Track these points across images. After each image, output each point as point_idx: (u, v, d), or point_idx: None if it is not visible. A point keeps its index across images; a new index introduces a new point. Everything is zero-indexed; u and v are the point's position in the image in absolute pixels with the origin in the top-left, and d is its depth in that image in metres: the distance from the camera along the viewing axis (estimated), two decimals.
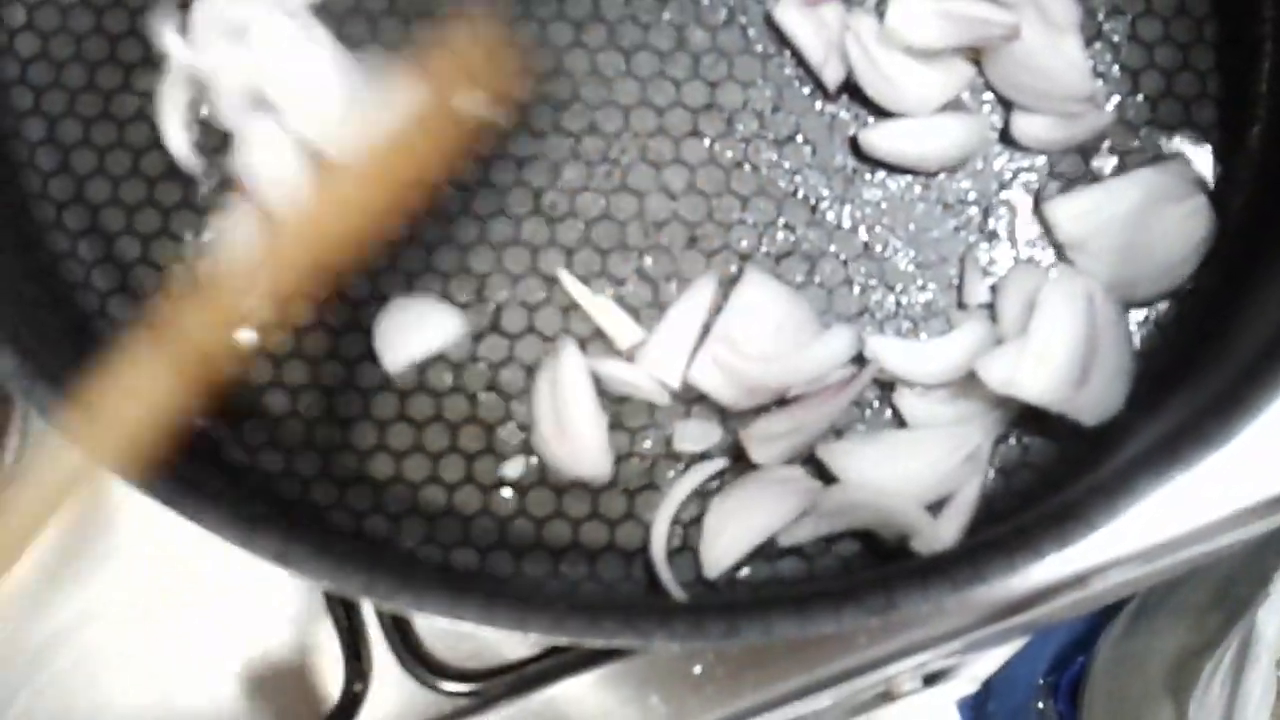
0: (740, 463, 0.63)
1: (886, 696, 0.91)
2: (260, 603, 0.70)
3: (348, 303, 0.65)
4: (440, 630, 0.68)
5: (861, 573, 0.61)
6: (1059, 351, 0.62)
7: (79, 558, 0.70)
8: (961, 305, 0.66)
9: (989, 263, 0.66)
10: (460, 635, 0.70)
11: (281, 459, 0.63)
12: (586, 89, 0.68)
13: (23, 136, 0.66)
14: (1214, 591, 1.20)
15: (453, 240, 0.66)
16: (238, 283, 0.55)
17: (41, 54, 0.67)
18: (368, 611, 0.68)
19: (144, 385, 0.50)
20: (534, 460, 0.63)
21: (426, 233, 0.66)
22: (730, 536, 0.61)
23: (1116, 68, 0.69)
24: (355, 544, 0.61)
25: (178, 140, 0.65)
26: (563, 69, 0.67)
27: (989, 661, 0.99)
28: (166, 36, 0.65)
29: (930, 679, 0.95)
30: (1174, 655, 1.22)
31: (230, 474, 0.62)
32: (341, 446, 0.63)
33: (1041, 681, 1.47)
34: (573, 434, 0.61)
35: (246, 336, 0.56)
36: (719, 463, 0.63)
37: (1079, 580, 0.68)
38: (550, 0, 0.68)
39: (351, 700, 0.66)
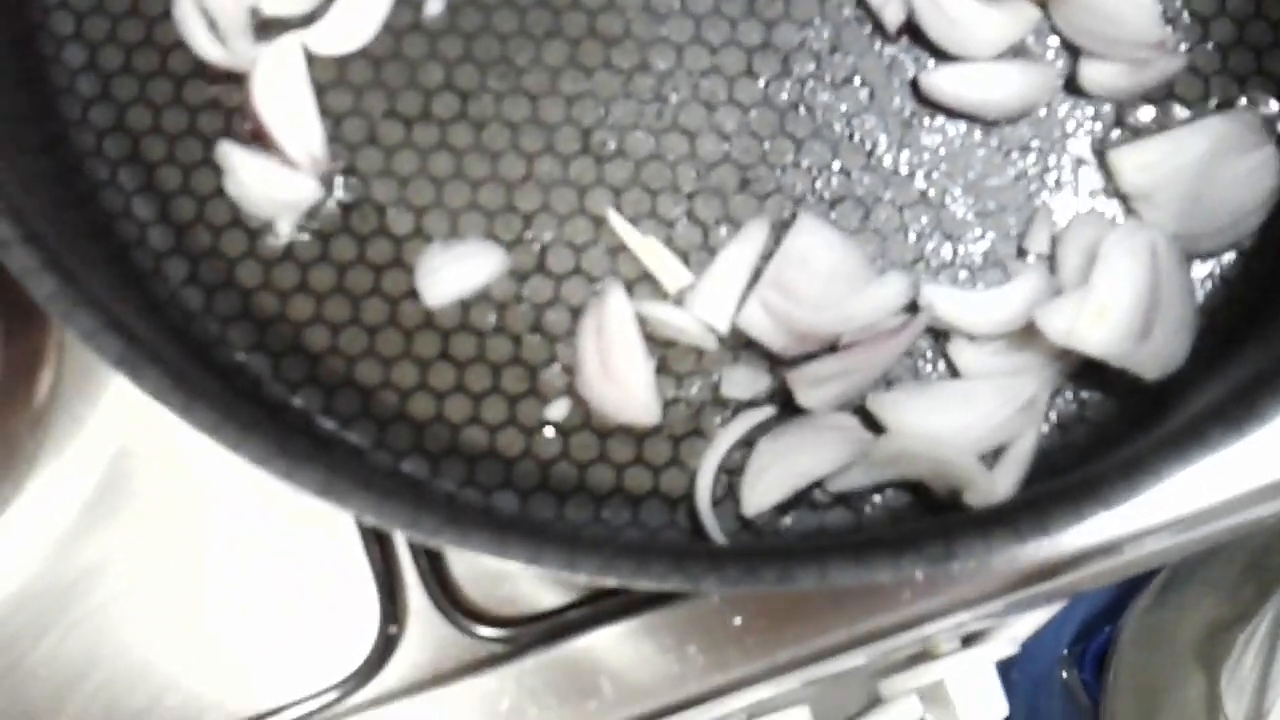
0: (788, 410, 0.62)
1: (925, 655, 0.90)
2: (292, 546, 0.69)
3: (391, 238, 0.63)
4: (476, 575, 0.67)
5: (917, 521, 0.59)
6: (1121, 304, 0.60)
7: (108, 497, 0.69)
8: (1021, 255, 0.64)
9: (1050, 212, 0.64)
10: (495, 581, 0.69)
11: (322, 396, 0.62)
12: (638, 25, 0.66)
13: (63, 62, 0.65)
14: (1247, 564, 1.19)
15: (498, 177, 0.64)
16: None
17: None
18: (403, 555, 0.67)
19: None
20: (578, 403, 0.62)
21: (471, 169, 0.64)
22: (773, 477, 0.60)
23: (1186, 14, 0.66)
24: (396, 480, 0.59)
25: (211, 50, 0.64)
26: (614, 3, 0.66)
27: (1026, 624, 0.97)
28: None
29: (968, 640, 0.93)
30: (1205, 627, 1.21)
31: (270, 410, 0.60)
32: (382, 385, 0.62)
33: (1066, 651, 1.46)
34: (619, 378, 0.60)
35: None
36: (766, 410, 0.62)
37: (1120, 545, 0.67)
38: None
39: (386, 644, 0.65)
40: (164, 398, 0.49)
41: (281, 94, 0.63)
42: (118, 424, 0.68)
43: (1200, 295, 0.64)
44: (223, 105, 0.65)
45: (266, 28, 0.65)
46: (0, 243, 0.50)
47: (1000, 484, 0.59)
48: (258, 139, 0.63)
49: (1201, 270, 0.64)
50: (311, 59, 0.65)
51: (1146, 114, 0.66)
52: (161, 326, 0.60)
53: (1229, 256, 0.64)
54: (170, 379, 0.49)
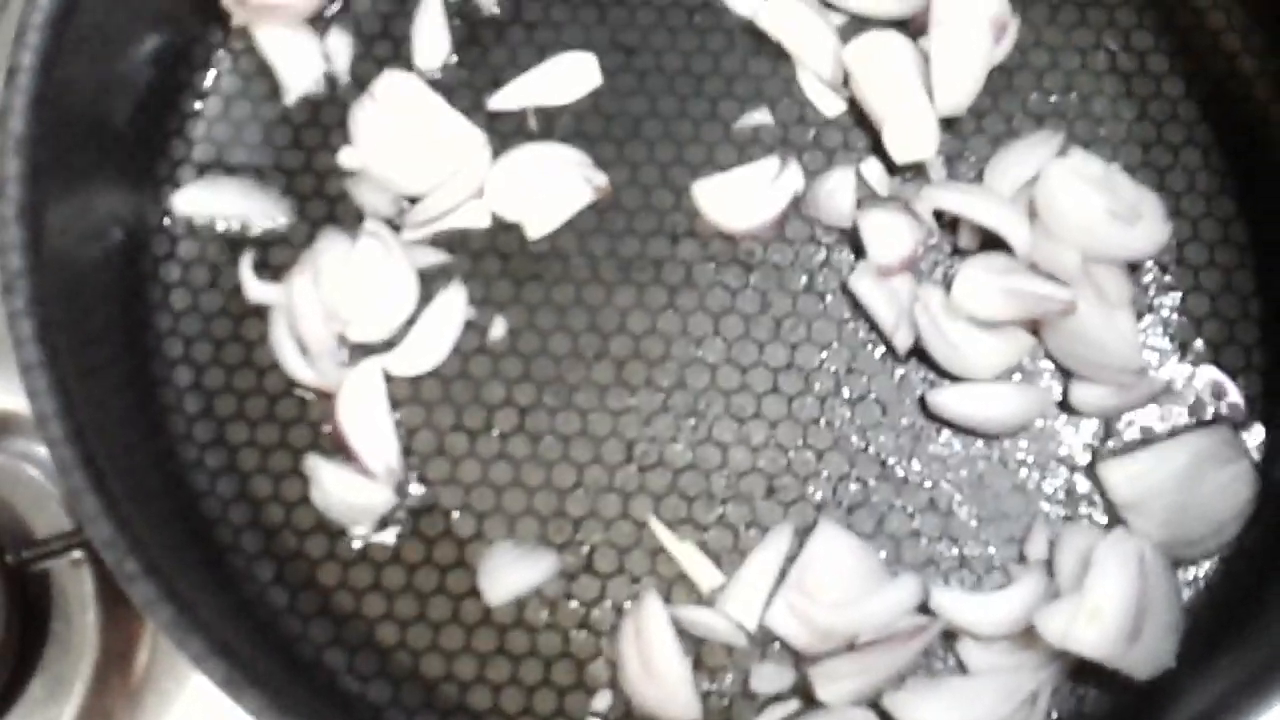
0: (811, 704, 0.68)
1: None
2: None
3: (456, 541, 0.71)
4: None
5: None
6: (1113, 608, 0.67)
7: None
8: (1021, 559, 0.71)
9: (1047, 519, 0.71)
10: None
11: (390, 689, 0.69)
12: (677, 347, 0.74)
13: (172, 383, 0.74)
14: None
15: (552, 485, 0.72)
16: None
17: (193, 307, 0.75)
18: None
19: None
20: (621, 696, 0.68)
21: (528, 477, 0.72)
22: None
23: (1167, 340, 0.74)
24: None
25: (300, 369, 0.73)
26: (656, 329, 0.74)
27: None
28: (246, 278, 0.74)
29: None
30: None
31: (344, 704, 0.67)
32: (445, 678, 0.69)
33: None
34: (659, 679, 0.66)
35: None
36: (792, 704, 0.68)
37: None
38: (648, 267, 0.75)
39: None
40: (263, 717, 0.56)
41: (363, 412, 0.72)
42: (206, 703, 0.74)
43: (1186, 599, 0.70)
44: (310, 420, 0.73)
45: (351, 352, 0.73)
46: (128, 577, 0.58)
47: None
48: (340, 451, 0.72)
49: (1186, 575, 0.71)
50: (389, 378, 0.73)
51: (1133, 430, 0.73)
52: (249, 627, 0.67)
53: (1211, 564, 0.71)
54: (268, 698, 0.56)
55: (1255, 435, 0.73)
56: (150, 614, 0.58)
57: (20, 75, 0.63)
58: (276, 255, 0.75)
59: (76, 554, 0.72)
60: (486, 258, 0.75)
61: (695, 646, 0.70)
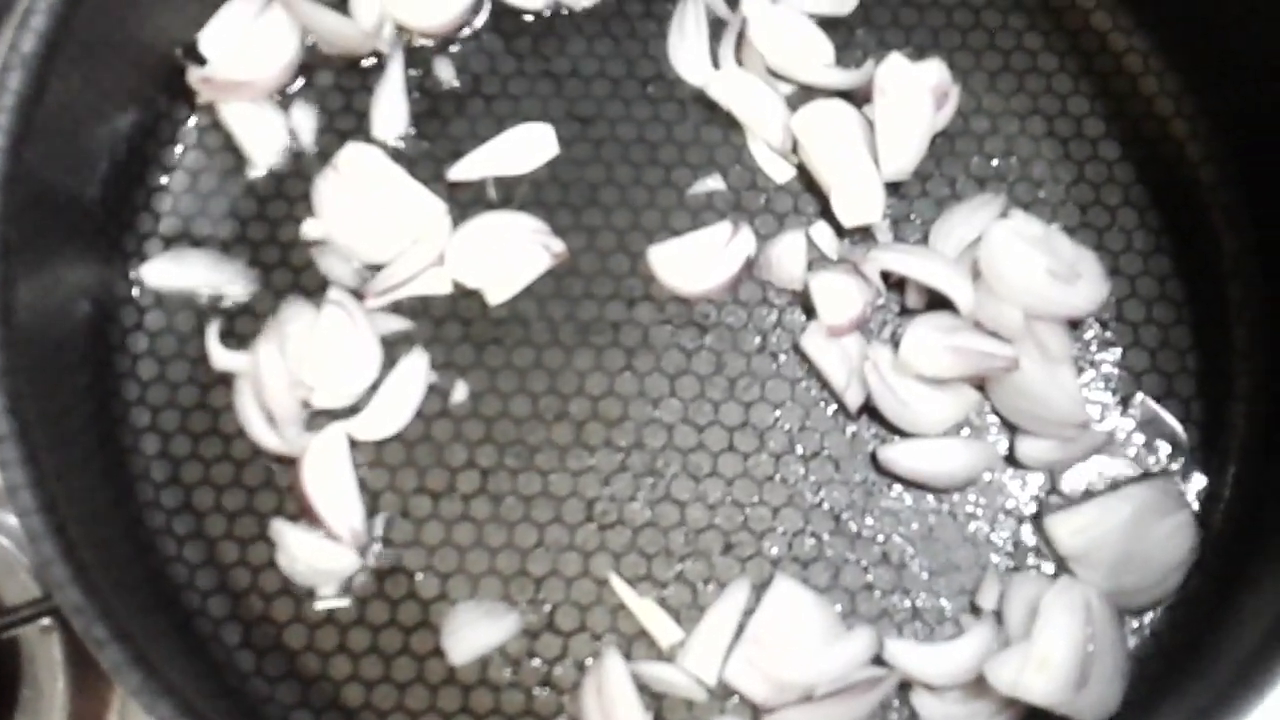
0: None
1: None
2: None
3: (419, 601, 0.72)
4: None
5: None
6: (1061, 656, 0.69)
7: None
8: (973, 610, 0.73)
9: (997, 570, 0.73)
10: None
11: None
12: (635, 408, 0.76)
13: (140, 451, 0.75)
14: None
15: (514, 545, 0.74)
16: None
17: (160, 376, 0.77)
18: None
19: None
20: None
21: (490, 537, 0.74)
22: None
23: (1109, 394, 0.77)
24: None
25: (266, 436, 0.74)
26: (614, 391, 0.76)
27: None
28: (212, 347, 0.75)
29: None
30: None
31: None
32: None
33: None
34: None
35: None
36: None
37: None
38: (605, 330, 0.77)
39: None
40: None
41: (327, 477, 0.74)
42: None
43: (1131, 646, 0.72)
44: (276, 486, 0.75)
45: (315, 418, 0.75)
46: (97, 643, 0.59)
47: None
48: (305, 515, 0.73)
49: (1132, 623, 0.73)
50: (353, 443, 0.75)
51: (1077, 482, 0.75)
52: (217, 691, 0.69)
53: (1156, 612, 0.73)
54: None
55: (1195, 485, 0.75)
56: (119, 679, 0.59)
57: None
58: (242, 324, 0.77)
59: (46, 621, 0.73)
60: (448, 324, 0.77)
61: (656, 702, 0.71)
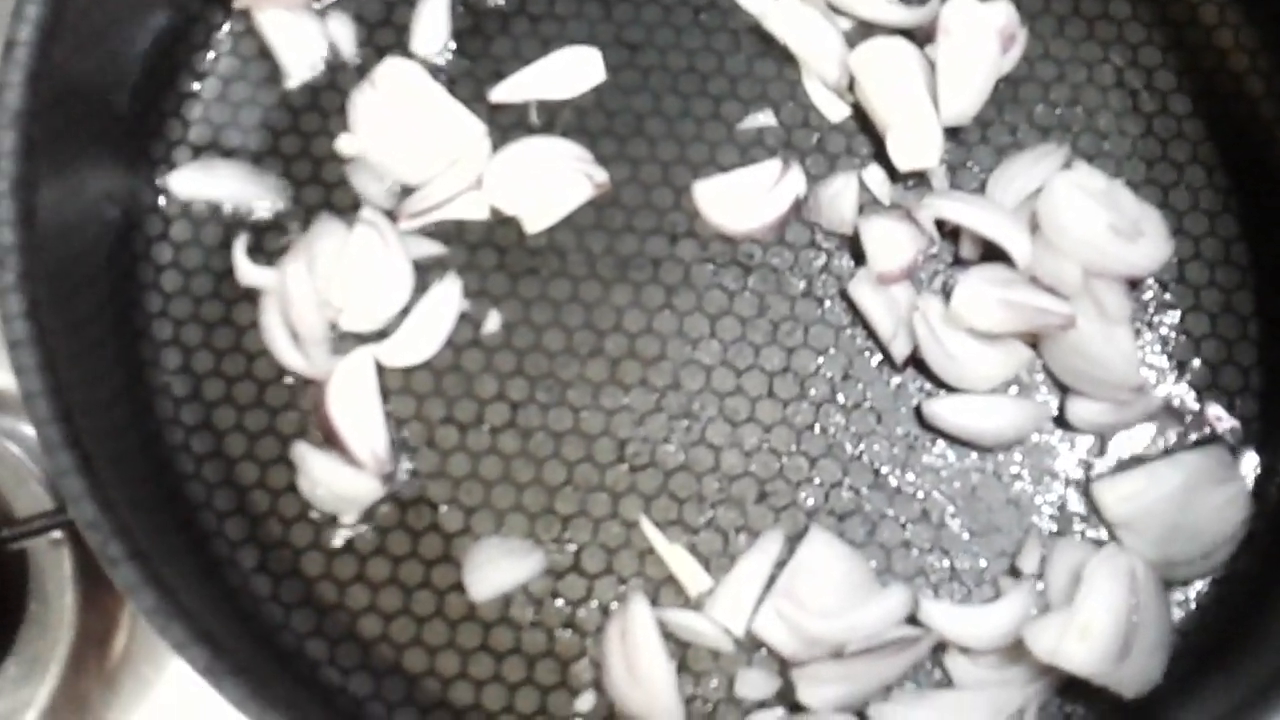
0: (798, 712, 0.68)
1: None
2: None
3: (442, 535, 0.70)
4: None
5: None
6: (1103, 625, 0.66)
7: None
8: (1013, 572, 0.70)
9: (1040, 534, 0.71)
10: None
11: (372, 682, 0.68)
12: (672, 348, 0.74)
13: (160, 364, 0.73)
14: None
15: (541, 482, 0.71)
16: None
17: (184, 289, 0.74)
18: None
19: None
20: (604, 698, 0.68)
21: (518, 473, 0.71)
22: None
23: (1165, 358, 0.74)
24: None
25: (291, 356, 0.72)
26: (652, 329, 0.74)
27: None
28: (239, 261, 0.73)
29: None
30: None
31: (325, 696, 0.66)
32: (427, 673, 0.68)
33: None
34: (643, 682, 0.66)
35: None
36: (777, 712, 0.68)
37: None
38: (646, 265, 0.74)
39: None
40: (243, 707, 0.55)
41: (353, 401, 0.71)
42: (184, 689, 0.74)
43: (1176, 619, 0.70)
44: (299, 407, 0.72)
45: (342, 340, 0.73)
46: (111, 561, 0.57)
47: None
48: (328, 440, 0.71)
49: (1177, 595, 0.70)
50: (380, 369, 0.72)
51: (1128, 446, 0.73)
52: (231, 615, 0.67)
53: (1203, 584, 0.70)
54: (249, 688, 0.55)
55: (1250, 458, 0.72)
56: (133, 599, 0.57)
57: (17, 49, 0.62)
58: (271, 240, 0.74)
59: (56, 534, 0.72)
60: (483, 251, 0.75)
61: (681, 650, 0.69)
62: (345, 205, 0.75)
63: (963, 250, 0.75)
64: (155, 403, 0.72)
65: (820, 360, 0.74)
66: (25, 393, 0.59)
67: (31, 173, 0.62)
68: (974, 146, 0.77)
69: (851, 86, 0.77)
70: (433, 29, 0.78)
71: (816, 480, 0.72)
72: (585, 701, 0.68)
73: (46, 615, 0.73)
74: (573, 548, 0.70)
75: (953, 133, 0.76)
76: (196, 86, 0.77)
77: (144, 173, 0.75)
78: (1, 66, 0.63)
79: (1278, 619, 0.68)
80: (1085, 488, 0.72)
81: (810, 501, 0.71)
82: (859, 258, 0.74)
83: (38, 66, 0.63)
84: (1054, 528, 0.71)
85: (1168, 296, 0.75)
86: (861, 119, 0.77)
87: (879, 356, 0.74)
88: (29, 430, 0.74)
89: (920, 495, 0.72)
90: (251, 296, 0.73)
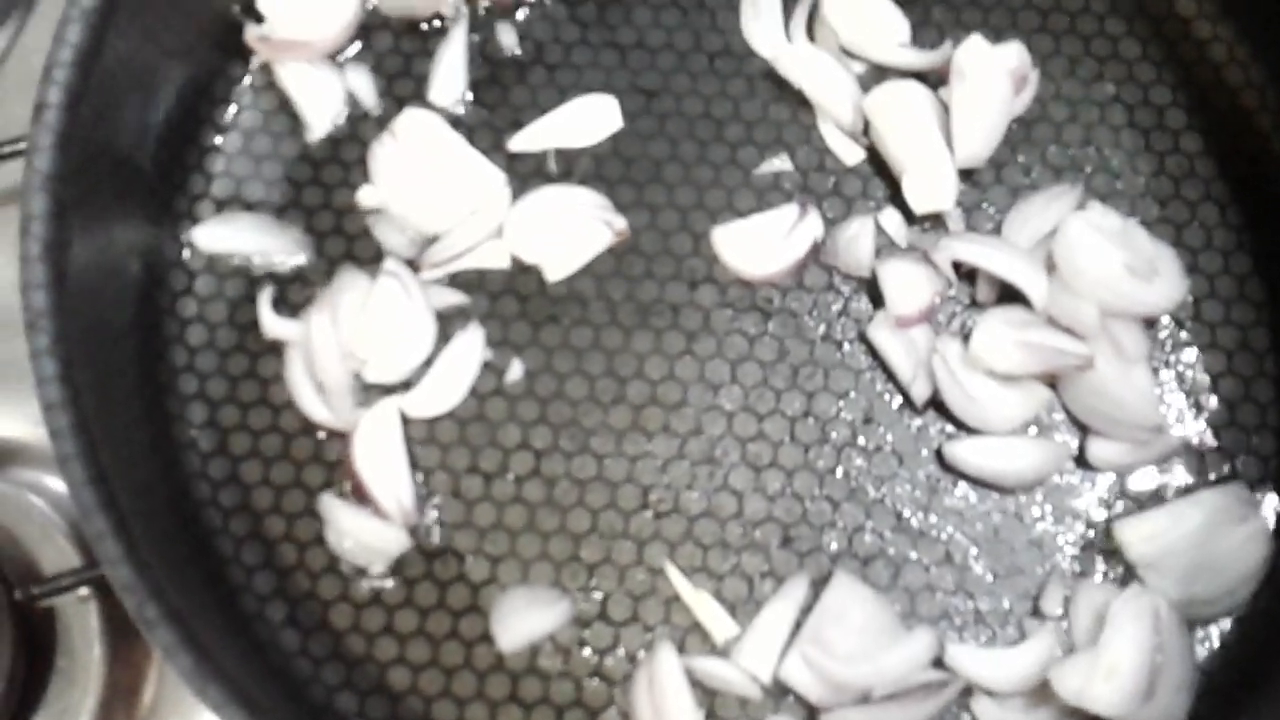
0: None
1: None
2: None
3: (469, 585, 0.70)
4: None
5: None
6: (1128, 666, 0.67)
7: None
8: (1036, 613, 0.71)
9: (1063, 575, 0.71)
10: None
11: None
12: (694, 394, 0.74)
13: (186, 419, 0.73)
14: None
15: (566, 530, 0.72)
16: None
17: (209, 342, 0.75)
18: None
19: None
20: None
21: (543, 522, 0.72)
22: None
23: (1183, 396, 0.74)
24: None
25: (316, 408, 0.72)
26: (673, 375, 0.74)
27: None
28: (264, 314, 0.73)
29: None
30: None
31: None
32: None
33: None
34: None
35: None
36: None
37: None
38: (666, 312, 0.75)
39: None
40: None
41: (378, 453, 0.72)
42: None
43: (1199, 658, 0.70)
44: (325, 460, 0.73)
45: (367, 392, 0.73)
46: (148, 623, 0.57)
47: None
48: (355, 492, 0.71)
49: (1200, 634, 0.71)
50: (405, 419, 0.73)
51: (1148, 486, 0.73)
52: (262, 671, 0.67)
53: (1226, 623, 0.71)
54: None
55: (1270, 495, 0.73)
56: (171, 661, 0.58)
57: (47, 112, 0.63)
58: (294, 293, 0.75)
59: (84, 590, 0.72)
60: (504, 299, 0.75)
61: (709, 698, 0.69)
62: (368, 257, 0.76)
63: (979, 292, 0.75)
64: (182, 457, 0.72)
65: (841, 404, 0.74)
66: (60, 456, 0.59)
67: (63, 235, 0.63)
68: (989, 188, 0.78)
69: (866, 130, 0.78)
70: (451, 79, 0.79)
71: (840, 524, 0.72)
72: None
73: (74, 669, 0.73)
74: (599, 595, 0.71)
75: (967, 174, 0.77)
76: (219, 140, 0.78)
77: (168, 228, 0.75)
78: (32, 130, 0.63)
79: None
80: (1107, 527, 0.72)
81: (834, 546, 0.72)
82: (877, 300, 0.75)
83: (66, 129, 0.64)
84: (1076, 568, 0.72)
85: (1184, 335, 0.75)
86: (877, 162, 0.78)
87: (899, 399, 0.74)
88: (52, 483, 0.75)
89: (943, 537, 0.72)
90: (276, 349, 0.74)
